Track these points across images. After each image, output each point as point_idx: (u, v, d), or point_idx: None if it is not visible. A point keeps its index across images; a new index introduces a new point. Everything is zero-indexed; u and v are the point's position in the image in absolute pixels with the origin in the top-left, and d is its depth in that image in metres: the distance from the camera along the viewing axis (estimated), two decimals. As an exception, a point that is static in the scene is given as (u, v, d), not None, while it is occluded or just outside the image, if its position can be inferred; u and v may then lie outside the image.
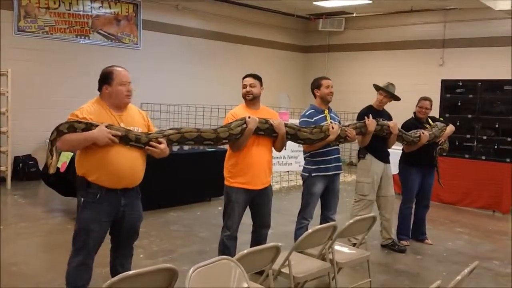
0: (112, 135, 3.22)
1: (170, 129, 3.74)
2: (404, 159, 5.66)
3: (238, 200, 4.12)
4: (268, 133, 4.09)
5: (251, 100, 4.17)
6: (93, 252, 3.40)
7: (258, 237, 4.32)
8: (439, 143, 5.62)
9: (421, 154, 5.43)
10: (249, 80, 4.18)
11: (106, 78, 3.36)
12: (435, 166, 5.70)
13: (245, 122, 3.94)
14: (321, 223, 4.51)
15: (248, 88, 4.15)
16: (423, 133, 5.28)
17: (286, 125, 4.21)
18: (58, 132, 3.28)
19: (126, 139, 3.31)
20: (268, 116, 4.18)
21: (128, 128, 3.35)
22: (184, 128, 3.83)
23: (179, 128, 3.80)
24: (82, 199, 3.32)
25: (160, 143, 3.41)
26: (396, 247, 5.44)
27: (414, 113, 5.65)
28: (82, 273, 3.37)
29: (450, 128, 5.73)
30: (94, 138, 3.20)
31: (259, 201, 4.23)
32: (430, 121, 5.66)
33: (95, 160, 3.26)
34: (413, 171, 5.59)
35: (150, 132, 3.50)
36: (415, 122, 5.54)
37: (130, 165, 3.32)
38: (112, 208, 3.34)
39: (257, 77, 4.22)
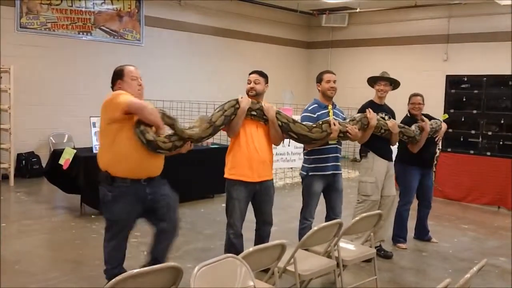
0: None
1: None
2: (402, 159, 5.45)
3: (239, 197, 4.09)
4: (260, 114, 4.07)
5: (253, 96, 4.15)
6: (126, 237, 3.63)
7: (261, 234, 4.30)
8: (437, 142, 5.53)
9: (419, 153, 5.31)
10: (254, 77, 4.18)
11: (118, 75, 3.55)
12: (434, 166, 5.58)
13: (237, 102, 3.97)
14: (326, 223, 4.46)
15: (252, 84, 4.15)
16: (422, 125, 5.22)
17: (279, 113, 4.14)
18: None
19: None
20: None
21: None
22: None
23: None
24: (110, 193, 3.43)
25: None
26: (382, 252, 5.05)
27: (409, 111, 5.50)
28: (117, 254, 3.62)
29: (444, 126, 5.58)
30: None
31: (260, 198, 4.20)
32: (424, 119, 5.53)
33: (115, 154, 3.39)
34: (412, 170, 5.44)
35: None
36: (410, 120, 5.39)
37: (149, 155, 3.46)
38: (138, 196, 3.48)
39: (263, 75, 4.21)
